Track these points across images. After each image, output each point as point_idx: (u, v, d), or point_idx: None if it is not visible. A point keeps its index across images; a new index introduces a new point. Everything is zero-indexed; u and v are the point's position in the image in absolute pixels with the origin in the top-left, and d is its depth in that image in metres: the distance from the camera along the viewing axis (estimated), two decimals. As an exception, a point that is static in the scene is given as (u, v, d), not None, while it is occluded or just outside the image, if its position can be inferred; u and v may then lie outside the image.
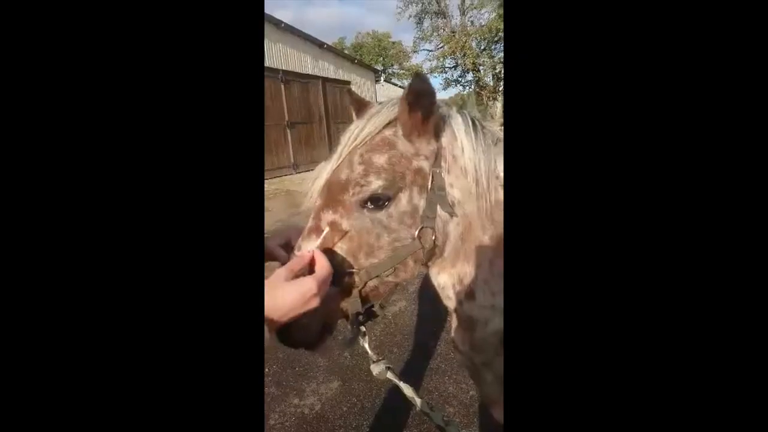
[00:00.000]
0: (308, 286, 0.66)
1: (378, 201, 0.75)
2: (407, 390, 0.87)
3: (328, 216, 0.76)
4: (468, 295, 0.88)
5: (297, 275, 0.68)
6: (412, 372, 2.34)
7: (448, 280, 0.89)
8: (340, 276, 0.75)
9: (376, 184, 0.75)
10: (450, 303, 0.93)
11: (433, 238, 0.78)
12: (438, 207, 0.79)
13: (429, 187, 0.78)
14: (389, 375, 0.85)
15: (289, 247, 0.84)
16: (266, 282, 0.66)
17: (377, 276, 0.77)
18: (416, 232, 0.77)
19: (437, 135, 0.81)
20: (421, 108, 0.75)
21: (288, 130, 10.39)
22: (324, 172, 0.79)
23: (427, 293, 3.23)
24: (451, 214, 0.80)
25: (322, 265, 0.70)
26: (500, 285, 0.85)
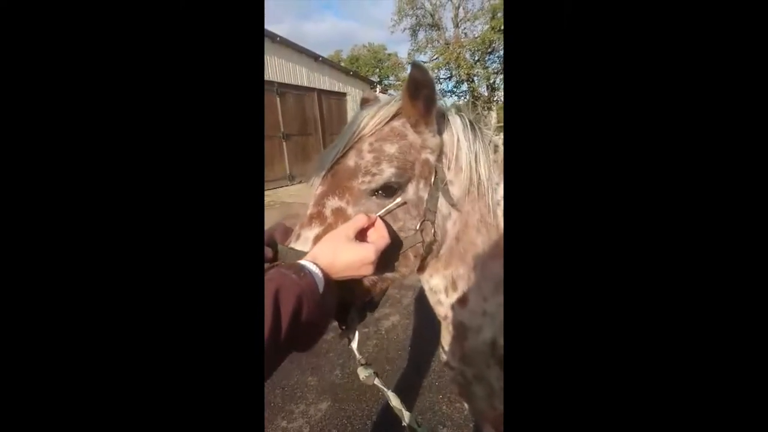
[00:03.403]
0: (367, 252, 0.65)
1: (389, 189, 0.73)
2: (394, 400, 0.83)
3: (333, 202, 0.73)
4: (460, 299, 0.86)
5: (357, 236, 0.67)
6: (405, 389, 2.26)
7: (441, 282, 0.87)
8: None
9: (388, 172, 0.73)
10: (441, 309, 0.90)
11: (433, 232, 0.77)
12: (438, 202, 0.78)
13: (433, 181, 0.77)
14: (376, 381, 0.81)
15: (272, 244, 0.79)
16: (329, 236, 0.67)
17: None
18: (419, 224, 0.75)
19: (440, 129, 0.81)
20: (422, 98, 0.74)
21: (284, 142, 10.40)
22: (327, 159, 0.76)
23: (422, 307, 3.16)
24: (454, 206, 0.79)
25: (383, 236, 0.69)
26: (491, 289, 0.84)
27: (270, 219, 6.61)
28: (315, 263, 0.63)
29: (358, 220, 0.68)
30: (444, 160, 0.80)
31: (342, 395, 2.24)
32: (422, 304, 3.19)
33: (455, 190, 0.81)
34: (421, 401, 2.16)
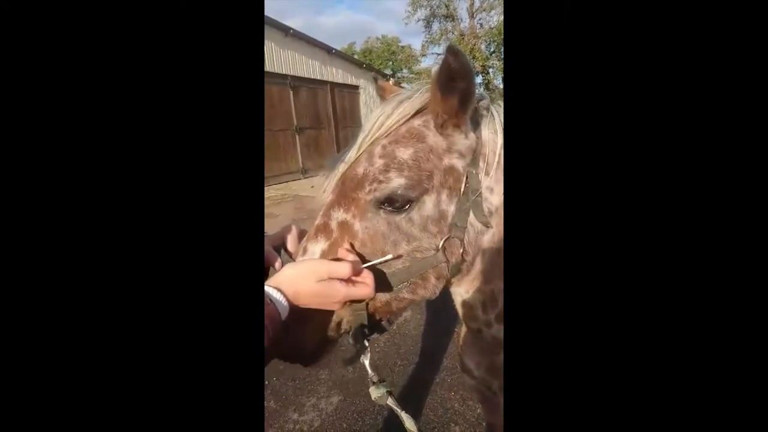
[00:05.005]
0: (333, 293, 0.60)
1: (396, 203, 0.64)
2: (408, 421, 0.78)
3: (339, 214, 0.66)
4: (500, 315, 0.78)
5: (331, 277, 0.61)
6: (417, 386, 2.24)
7: (478, 297, 0.78)
8: None
9: (396, 182, 0.63)
10: (475, 324, 0.82)
11: (461, 251, 0.66)
12: (471, 215, 0.67)
13: (462, 190, 0.66)
14: (390, 401, 0.75)
15: (283, 247, 0.76)
16: (298, 265, 0.62)
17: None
18: (441, 243, 0.65)
19: (476, 127, 0.68)
20: (457, 92, 0.61)
21: (297, 135, 10.42)
22: (341, 163, 0.68)
23: (434, 302, 3.13)
24: (486, 225, 0.67)
25: (367, 285, 0.61)
26: None
27: (284, 213, 6.67)
28: (279, 289, 0.59)
29: (340, 269, 0.59)
30: (482, 164, 0.67)
31: (353, 390, 2.23)
32: (435, 299, 3.15)
33: (495, 199, 0.68)
34: (433, 398, 2.14)
